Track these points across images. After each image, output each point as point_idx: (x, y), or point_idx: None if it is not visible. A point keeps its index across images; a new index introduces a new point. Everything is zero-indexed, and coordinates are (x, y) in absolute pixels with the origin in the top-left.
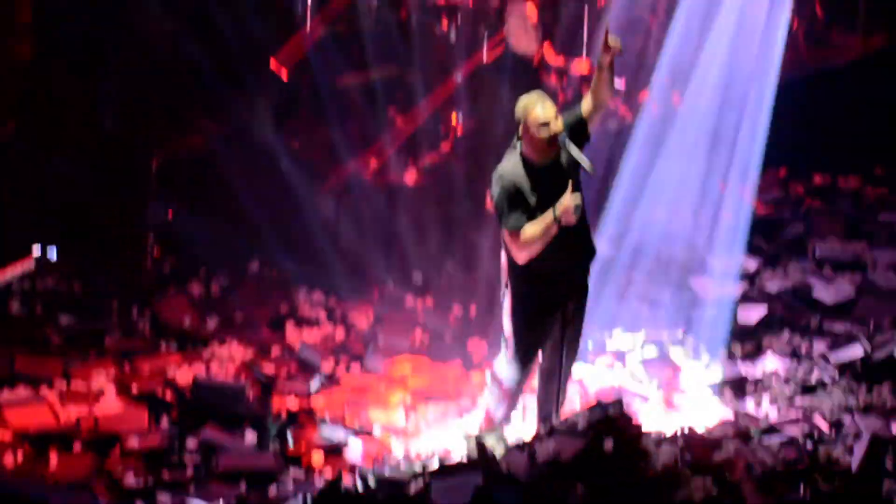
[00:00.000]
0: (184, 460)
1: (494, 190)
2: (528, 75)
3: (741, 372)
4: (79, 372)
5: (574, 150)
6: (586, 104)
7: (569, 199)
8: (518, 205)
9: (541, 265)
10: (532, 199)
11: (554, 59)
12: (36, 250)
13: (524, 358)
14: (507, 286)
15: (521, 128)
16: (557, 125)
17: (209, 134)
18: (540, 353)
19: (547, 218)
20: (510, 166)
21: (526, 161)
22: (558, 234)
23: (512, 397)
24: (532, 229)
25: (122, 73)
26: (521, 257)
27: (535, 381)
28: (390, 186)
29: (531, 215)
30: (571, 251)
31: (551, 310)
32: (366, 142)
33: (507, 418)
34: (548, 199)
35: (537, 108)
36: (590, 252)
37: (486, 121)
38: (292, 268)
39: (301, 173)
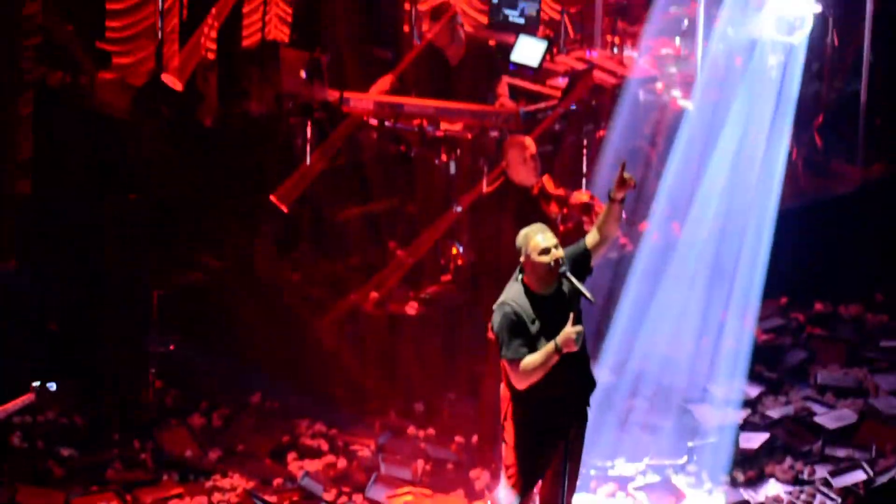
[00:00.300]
0: None
1: (496, 318)
2: (529, 206)
3: (744, 498)
4: (81, 503)
5: (575, 281)
6: (591, 238)
7: (570, 329)
8: (518, 334)
9: (541, 393)
10: (533, 328)
11: (554, 189)
12: (36, 383)
13: (524, 486)
14: (507, 415)
15: (522, 257)
16: (558, 252)
17: (210, 267)
18: (540, 483)
19: (549, 348)
20: (512, 295)
21: (528, 290)
22: (558, 364)
23: None
24: (533, 358)
25: (122, 207)
26: (521, 385)
27: None
28: (392, 317)
29: (531, 344)
30: (571, 381)
31: (551, 439)
32: (367, 274)
33: None
34: (549, 328)
35: (538, 237)
36: (590, 382)
37: (486, 251)
38: (294, 399)
39: (303, 305)
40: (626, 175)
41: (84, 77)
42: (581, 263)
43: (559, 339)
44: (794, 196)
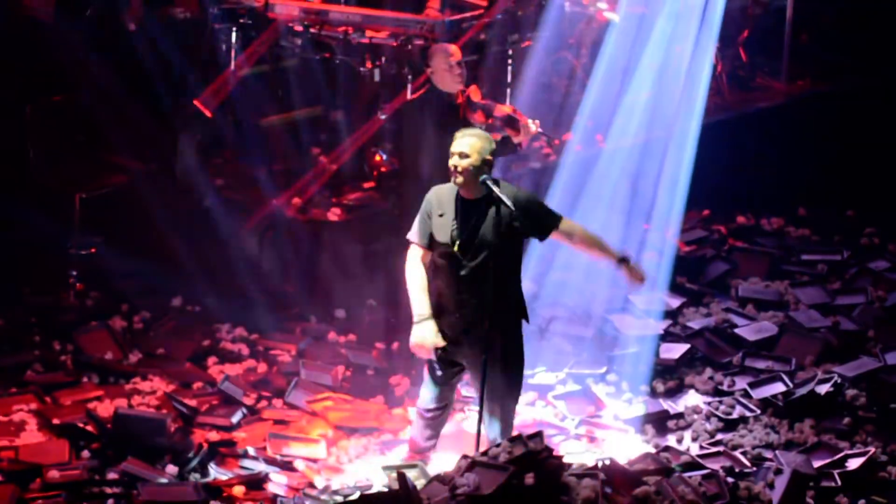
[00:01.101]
0: (104, 492)
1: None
2: (452, 114)
3: (663, 408)
4: (0, 404)
5: (495, 189)
6: (574, 232)
7: (426, 341)
8: (422, 221)
9: (432, 298)
10: (438, 221)
11: (480, 99)
12: None
13: (435, 383)
14: None
15: None
16: (460, 162)
17: (133, 171)
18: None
19: (416, 308)
20: (444, 187)
21: (458, 189)
22: (449, 286)
23: (431, 426)
24: (411, 285)
25: (46, 109)
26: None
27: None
28: (313, 223)
29: (430, 235)
30: (463, 303)
31: (446, 352)
32: (290, 180)
33: (429, 449)
34: (462, 230)
35: (455, 139)
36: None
37: (408, 158)
38: (215, 303)
39: (225, 210)
40: (639, 275)
41: None
42: (537, 222)
43: (413, 336)
44: (718, 109)
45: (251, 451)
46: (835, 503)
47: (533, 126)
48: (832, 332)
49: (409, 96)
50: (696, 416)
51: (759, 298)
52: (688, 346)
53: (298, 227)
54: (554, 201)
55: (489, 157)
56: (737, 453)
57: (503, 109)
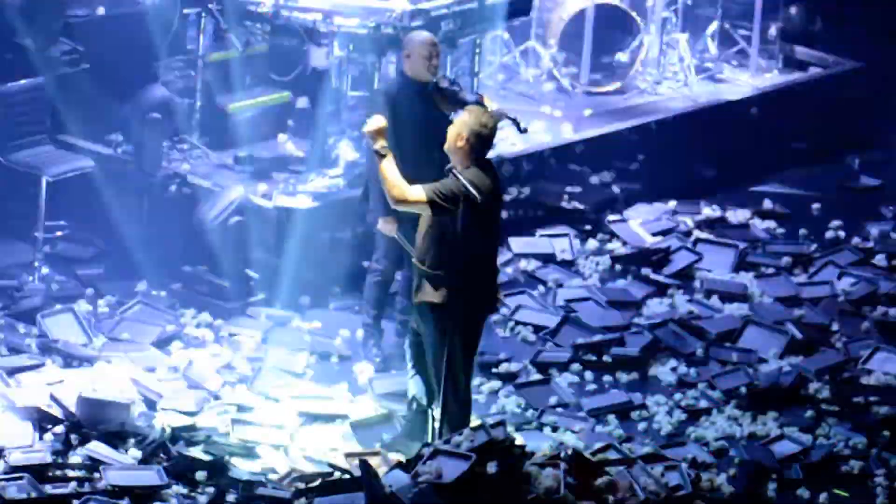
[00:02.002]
0: (68, 475)
1: None
2: (421, 102)
3: (626, 399)
4: None
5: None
6: None
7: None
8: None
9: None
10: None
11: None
12: None
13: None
14: None
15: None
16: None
17: (99, 155)
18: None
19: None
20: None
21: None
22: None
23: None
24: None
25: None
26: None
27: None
28: (280, 209)
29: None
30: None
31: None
32: (257, 166)
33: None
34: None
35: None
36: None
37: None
38: (180, 289)
39: (191, 196)
40: None
41: None
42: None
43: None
44: (686, 101)
45: (214, 436)
46: (796, 496)
47: (500, 112)
48: (796, 325)
49: (375, 84)
50: (658, 407)
51: (724, 290)
52: (651, 336)
53: (264, 214)
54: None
55: None
56: (699, 445)
57: (470, 98)
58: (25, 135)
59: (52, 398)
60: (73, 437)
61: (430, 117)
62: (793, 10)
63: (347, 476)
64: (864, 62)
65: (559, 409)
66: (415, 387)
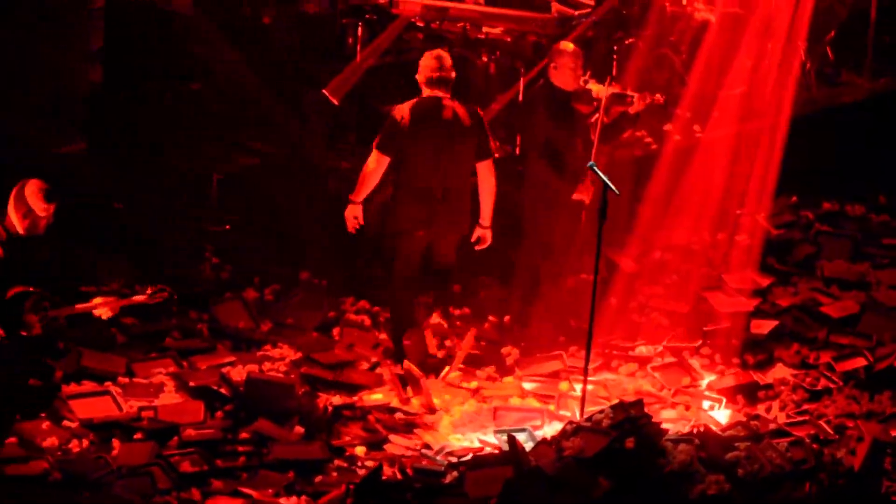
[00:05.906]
0: (237, 450)
1: None
2: (561, 106)
3: (753, 379)
4: (141, 368)
5: None
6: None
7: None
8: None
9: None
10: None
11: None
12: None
13: None
14: None
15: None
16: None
17: (264, 154)
18: None
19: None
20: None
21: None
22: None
23: None
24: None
25: (185, 95)
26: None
27: None
28: None
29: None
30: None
31: None
32: None
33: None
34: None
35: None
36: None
37: (526, 145)
38: (340, 278)
39: (349, 192)
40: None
41: None
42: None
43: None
44: (807, 104)
45: (373, 413)
46: None
47: (636, 96)
48: None
49: (521, 88)
50: (783, 388)
51: (843, 279)
52: (777, 322)
53: None
54: (655, 186)
55: None
56: (821, 422)
57: (606, 91)
58: (196, 134)
59: (223, 378)
60: (241, 414)
61: (568, 118)
62: None
63: (497, 451)
64: None
65: (691, 389)
66: None
